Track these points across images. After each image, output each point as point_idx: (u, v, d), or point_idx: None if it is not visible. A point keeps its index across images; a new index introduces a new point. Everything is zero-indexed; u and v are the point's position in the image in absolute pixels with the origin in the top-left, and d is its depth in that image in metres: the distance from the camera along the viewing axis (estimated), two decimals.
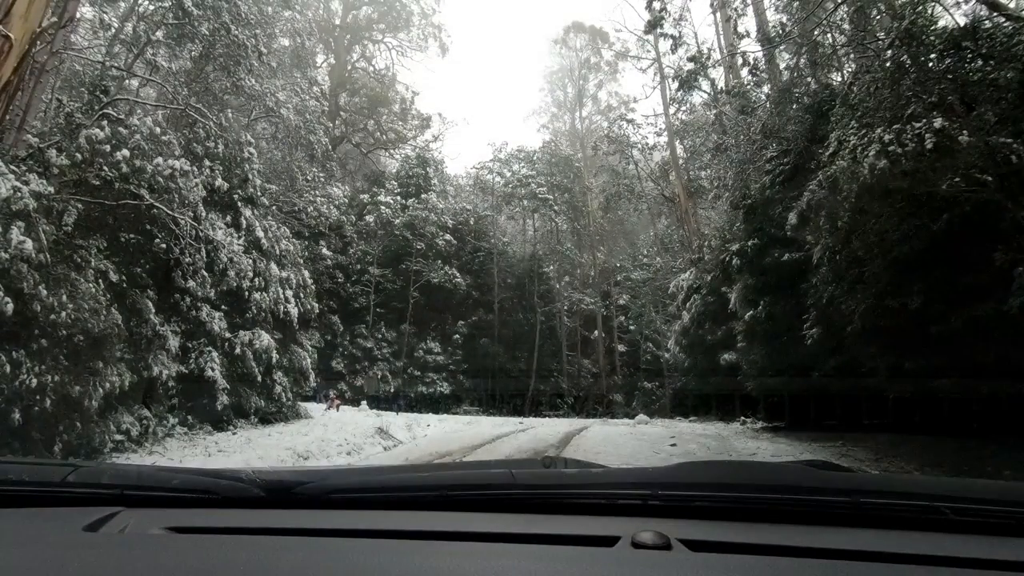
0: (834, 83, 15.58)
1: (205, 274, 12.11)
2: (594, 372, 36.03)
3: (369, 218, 33.30)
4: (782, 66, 18.48)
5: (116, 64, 13.56)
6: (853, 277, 10.67)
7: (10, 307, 6.75)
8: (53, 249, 7.65)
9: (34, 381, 6.98)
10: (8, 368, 6.77)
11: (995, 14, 9.37)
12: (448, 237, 33.55)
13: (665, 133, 34.16)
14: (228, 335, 12.64)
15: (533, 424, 19.69)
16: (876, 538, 1.01)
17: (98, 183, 9.03)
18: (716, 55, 22.43)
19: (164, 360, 10.49)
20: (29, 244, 7.06)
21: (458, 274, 33.01)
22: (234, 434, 11.87)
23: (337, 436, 11.87)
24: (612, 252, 41.08)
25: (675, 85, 22.32)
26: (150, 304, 10.30)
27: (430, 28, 42.34)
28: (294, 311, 15.12)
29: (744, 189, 17.66)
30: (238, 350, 12.72)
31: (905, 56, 9.07)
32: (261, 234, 14.50)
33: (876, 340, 10.61)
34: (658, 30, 18.27)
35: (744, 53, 17.21)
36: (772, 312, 15.17)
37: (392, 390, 29.64)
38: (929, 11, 10.08)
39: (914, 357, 9.93)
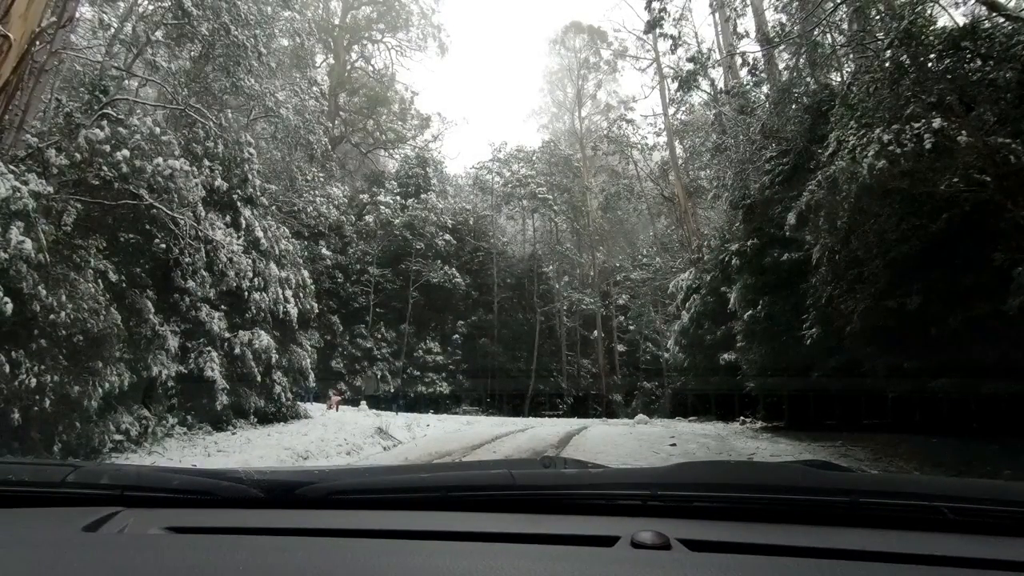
0: (833, 83, 15.59)
1: (205, 274, 12.11)
2: (593, 372, 36.05)
3: (369, 218, 33.31)
4: (781, 66, 18.49)
5: (116, 64, 13.54)
6: (852, 277, 10.68)
7: (9, 307, 6.75)
8: (52, 249, 7.64)
9: (33, 381, 6.97)
10: (7, 368, 6.77)
11: (994, 14, 9.38)
12: (447, 237, 33.56)
13: (664, 133, 34.23)
14: (227, 335, 12.63)
15: (532, 424, 19.69)
16: (875, 538, 1.02)
17: (97, 183, 9.02)
18: (716, 55, 22.48)
19: (163, 360, 10.48)
20: (28, 244, 7.05)
21: (458, 274, 33.03)
22: (233, 434, 11.86)
23: (336, 436, 11.87)
24: (612, 252, 41.10)
25: (674, 85, 22.36)
26: (149, 304, 10.29)
27: (429, 28, 42.41)
28: (293, 311, 15.12)
29: (743, 189, 17.67)
30: (237, 350, 12.71)
31: (904, 56, 9.07)
32: (260, 234, 14.49)
33: (875, 340, 10.62)
34: (657, 30, 18.25)
35: (743, 53, 17.23)
36: (771, 312, 15.17)
37: (392, 390, 29.64)
38: (928, 11, 10.09)
39: (913, 357, 9.94)
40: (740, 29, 19.44)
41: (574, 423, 21.00)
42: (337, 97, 39.40)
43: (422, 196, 34.44)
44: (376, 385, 29.59)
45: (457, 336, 32.76)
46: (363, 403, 23.78)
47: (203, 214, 11.41)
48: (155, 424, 10.21)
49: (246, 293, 13.21)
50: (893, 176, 8.17)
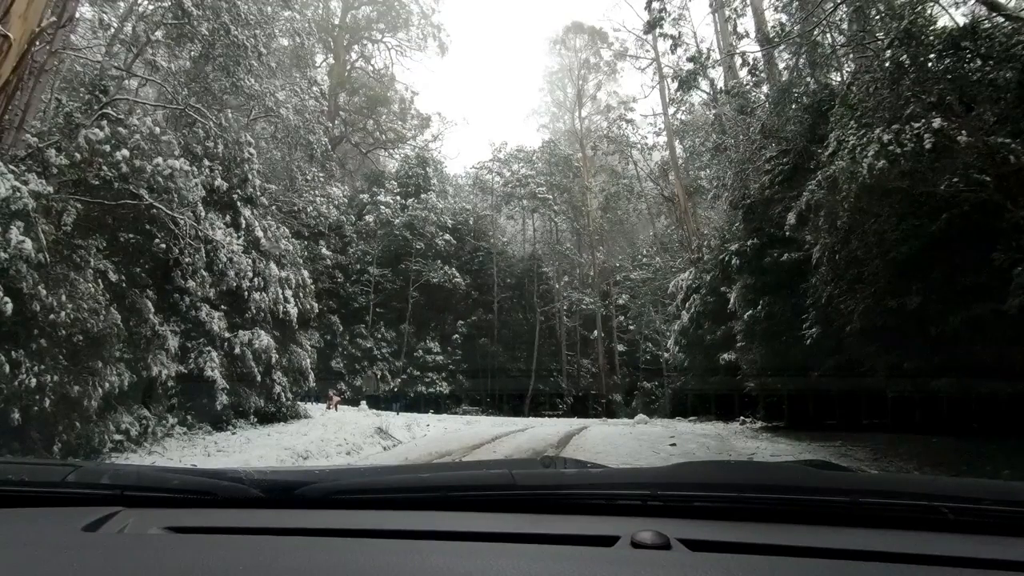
0: (833, 83, 15.57)
1: (204, 274, 12.10)
2: (593, 372, 36.04)
3: (369, 218, 33.31)
4: (781, 66, 18.48)
5: (116, 64, 13.53)
6: (852, 277, 10.67)
7: (9, 307, 6.75)
8: (52, 249, 7.64)
9: (33, 381, 6.97)
10: (7, 368, 6.77)
11: (994, 14, 9.37)
12: (448, 237, 33.56)
13: (664, 133, 34.23)
14: (227, 335, 12.63)
15: (532, 424, 19.69)
16: (875, 538, 1.02)
17: (97, 183, 9.02)
18: (715, 55, 22.47)
19: (163, 360, 10.48)
20: (28, 244, 7.05)
21: (458, 274, 33.02)
22: (233, 434, 11.86)
23: (336, 436, 11.87)
24: (611, 252, 41.09)
25: (674, 85, 22.37)
26: (149, 304, 10.29)
27: (429, 28, 42.35)
28: (293, 311, 15.11)
29: (743, 189, 17.68)
30: (237, 350, 12.70)
31: (904, 56, 9.06)
32: (260, 234, 14.49)
33: (875, 340, 10.61)
34: (657, 30, 18.26)
35: (743, 53, 17.24)
36: (771, 312, 15.17)
37: (392, 390, 29.64)
38: (928, 11, 10.09)
39: (913, 357, 9.93)
40: (740, 29, 19.50)
41: (574, 423, 21.00)
42: (337, 97, 39.37)
43: (422, 196, 34.43)
44: (376, 385, 29.58)
45: (457, 336, 32.75)
46: (363, 403, 23.76)
47: (203, 214, 11.40)
48: (155, 424, 10.21)
49: (246, 293, 13.21)
50: (893, 176, 8.17)
